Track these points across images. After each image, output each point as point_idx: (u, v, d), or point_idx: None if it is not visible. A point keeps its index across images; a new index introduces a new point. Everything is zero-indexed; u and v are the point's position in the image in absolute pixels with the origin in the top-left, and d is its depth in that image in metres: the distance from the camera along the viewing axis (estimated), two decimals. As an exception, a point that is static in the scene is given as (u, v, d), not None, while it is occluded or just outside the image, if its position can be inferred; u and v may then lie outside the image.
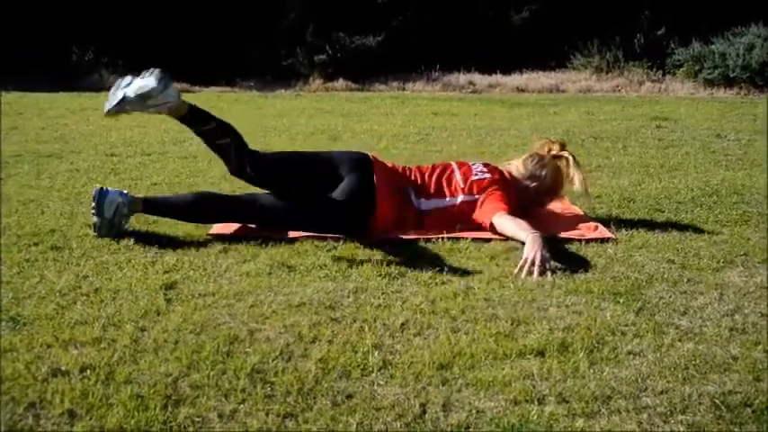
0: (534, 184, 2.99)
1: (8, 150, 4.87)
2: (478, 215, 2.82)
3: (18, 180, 3.87)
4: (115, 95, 2.61)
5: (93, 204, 2.70)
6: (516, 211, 2.80)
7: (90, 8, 12.22)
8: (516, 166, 3.04)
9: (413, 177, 2.93)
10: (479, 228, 2.79)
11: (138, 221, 2.90)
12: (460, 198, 2.85)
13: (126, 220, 2.76)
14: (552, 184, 3.02)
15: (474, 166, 2.96)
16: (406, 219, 2.84)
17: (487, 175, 2.91)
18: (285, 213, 2.77)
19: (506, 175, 2.99)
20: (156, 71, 2.62)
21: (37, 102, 8.87)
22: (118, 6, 12.32)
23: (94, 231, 2.72)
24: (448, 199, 2.87)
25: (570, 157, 3.00)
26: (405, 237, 2.74)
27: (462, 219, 2.83)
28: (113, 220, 2.70)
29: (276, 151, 3.26)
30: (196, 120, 2.76)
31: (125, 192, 2.76)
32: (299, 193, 2.80)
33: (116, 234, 2.70)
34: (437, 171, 2.95)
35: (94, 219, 2.71)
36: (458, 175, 2.92)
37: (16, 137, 5.63)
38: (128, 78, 2.66)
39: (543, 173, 2.98)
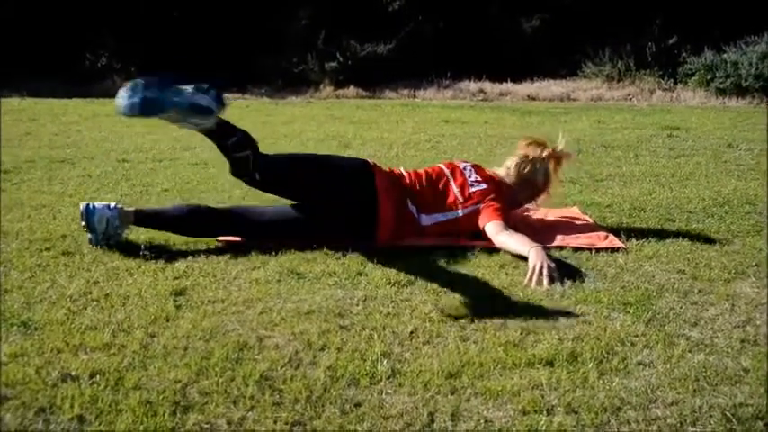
0: (525, 188, 3.05)
1: (21, 156, 4.91)
2: (475, 221, 2.85)
3: (30, 185, 3.90)
4: (162, 100, 2.44)
5: (83, 223, 2.65)
6: (509, 217, 2.85)
7: (103, 14, 12.33)
8: (506, 172, 3.05)
9: (409, 182, 2.91)
10: (479, 236, 2.81)
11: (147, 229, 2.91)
12: (461, 212, 2.85)
13: (121, 231, 2.70)
14: (543, 186, 3.08)
15: (468, 177, 2.95)
16: (407, 230, 2.83)
17: (483, 186, 2.92)
18: (282, 226, 2.76)
19: (497, 179, 3.01)
20: (213, 92, 2.51)
21: (51, 108, 8.94)
22: (130, 13, 12.42)
23: (91, 245, 2.67)
24: (448, 213, 2.87)
25: (558, 156, 3.07)
26: (413, 244, 2.74)
27: (462, 231, 2.84)
28: (107, 232, 2.65)
29: (283, 154, 3.06)
30: (221, 134, 2.66)
31: (113, 205, 2.68)
32: (304, 200, 2.80)
33: (115, 243, 2.67)
34: (432, 179, 2.93)
35: (88, 235, 2.67)
36: (455, 188, 2.90)
37: (30, 143, 5.68)
38: (188, 87, 2.49)
39: (535, 176, 3.03)
